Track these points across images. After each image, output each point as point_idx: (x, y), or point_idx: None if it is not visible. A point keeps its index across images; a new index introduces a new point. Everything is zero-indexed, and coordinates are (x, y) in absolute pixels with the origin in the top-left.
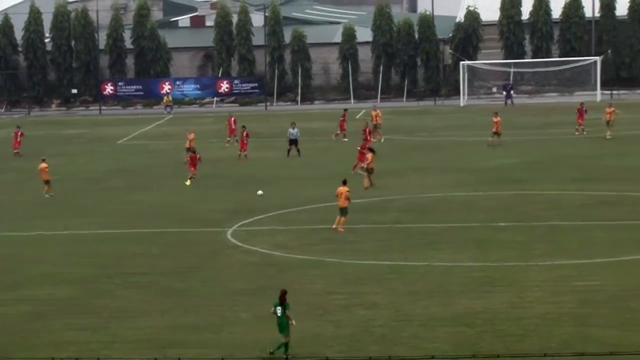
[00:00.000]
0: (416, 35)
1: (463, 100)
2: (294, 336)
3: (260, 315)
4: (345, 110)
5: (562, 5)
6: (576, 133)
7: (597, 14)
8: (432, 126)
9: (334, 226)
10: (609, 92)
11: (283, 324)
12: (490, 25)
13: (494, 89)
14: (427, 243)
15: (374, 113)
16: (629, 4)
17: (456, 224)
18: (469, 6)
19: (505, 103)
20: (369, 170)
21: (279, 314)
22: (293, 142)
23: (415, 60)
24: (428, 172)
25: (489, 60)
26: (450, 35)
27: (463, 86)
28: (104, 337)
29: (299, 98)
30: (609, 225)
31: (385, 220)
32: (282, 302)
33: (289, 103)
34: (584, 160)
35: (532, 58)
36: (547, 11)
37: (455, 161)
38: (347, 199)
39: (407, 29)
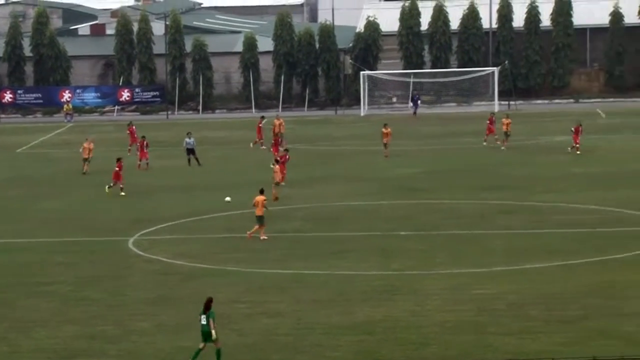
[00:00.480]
0: (317, 45)
1: (364, 110)
2: (196, 345)
3: (162, 324)
4: (262, 117)
5: (460, 17)
6: (484, 143)
7: (494, 26)
8: (333, 135)
9: (249, 235)
10: (506, 102)
11: (206, 332)
12: (390, 35)
13: (394, 99)
14: (330, 252)
15: (277, 122)
16: (525, 16)
17: (359, 233)
18: (368, 17)
19: (414, 113)
20: (277, 183)
21: (202, 322)
22: (190, 151)
23: (316, 70)
24: (330, 182)
25: (388, 70)
26: (351, 45)
27: (363, 96)
28: (4, 348)
29: (200, 107)
30: (507, 234)
31: (288, 229)
32: (206, 309)
33: (190, 112)
34: (484, 169)
35: (431, 68)
36: (446, 22)
37: (357, 170)
38: (264, 207)
39: (307, 39)
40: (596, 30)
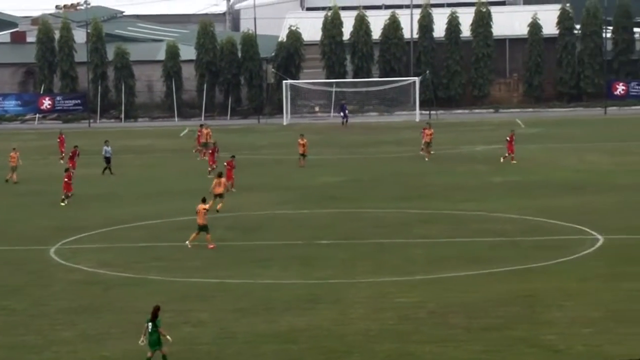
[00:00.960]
0: (239, 54)
1: (286, 118)
2: (118, 354)
3: (84, 333)
4: (202, 125)
5: (382, 27)
6: (421, 152)
7: (415, 36)
8: (256, 144)
9: (189, 244)
10: (427, 112)
11: (153, 341)
12: (312, 45)
13: (317, 108)
14: (253, 260)
15: (205, 131)
16: (445, 26)
17: (281, 242)
18: (291, 26)
19: (343, 122)
20: (219, 195)
21: (150, 330)
22: (107, 160)
23: (239, 79)
24: (253, 190)
25: (311, 79)
26: (273, 54)
27: (286, 105)
28: None
29: (122, 115)
30: (428, 243)
31: (211, 238)
32: (153, 318)
33: (112, 120)
34: (405, 178)
35: (354, 78)
36: (368, 32)
37: (280, 179)
38: (205, 216)
39: (230, 48)
40: (515, 41)
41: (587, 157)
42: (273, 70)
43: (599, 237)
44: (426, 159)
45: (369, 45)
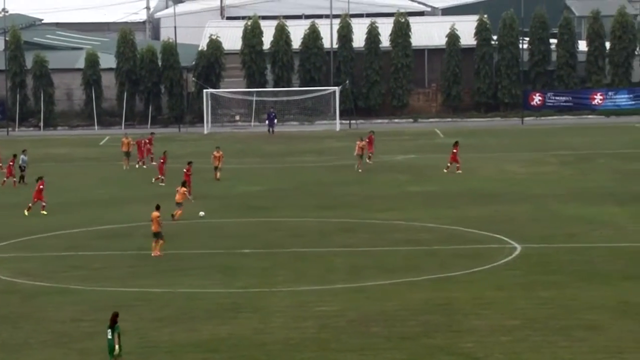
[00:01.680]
0: (160, 63)
1: (207, 127)
2: None
3: (3, 343)
4: (152, 134)
5: (302, 36)
6: (368, 161)
7: (335, 46)
8: (177, 153)
9: (153, 254)
10: (347, 121)
11: (112, 346)
12: (232, 54)
13: (237, 117)
14: (174, 269)
15: (125, 140)
16: (365, 37)
17: (202, 251)
18: (211, 35)
19: (269, 131)
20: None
21: (109, 337)
22: (22, 168)
23: (159, 88)
24: (173, 199)
25: (231, 88)
26: (194, 63)
27: (207, 114)
28: None
29: (41, 124)
30: (349, 252)
31: (131, 247)
32: (112, 325)
33: (31, 128)
34: (326, 187)
35: (274, 87)
36: (288, 42)
37: (201, 188)
38: (159, 223)
39: (150, 56)
40: (434, 52)
41: (504, 167)
42: (193, 79)
43: (517, 245)
44: (359, 170)
45: (289, 55)
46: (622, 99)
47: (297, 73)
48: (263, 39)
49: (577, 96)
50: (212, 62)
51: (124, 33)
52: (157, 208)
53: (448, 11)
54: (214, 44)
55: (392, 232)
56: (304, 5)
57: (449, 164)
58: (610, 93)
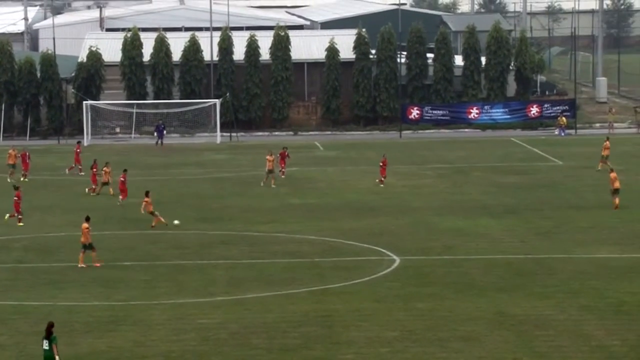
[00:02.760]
0: (38, 74)
1: (87, 139)
2: None
3: None
4: (79, 142)
5: (182, 49)
6: (282, 175)
7: (215, 58)
8: (56, 165)
9: (79, 265)
10: (228, 134)
11: (49, 357)
12: (112, 65)
13: (118, 129)
14: (52, 282)
15: (12, 152)
16: (245, 49)
17: (82, 264)
18: (90, 46)
19: (157, 143)
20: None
21: (45, 347)
22: None
23: (38, 99)
24: (51, 211)
25: (112, 100)
26: (73, 74)
27: (86, 126)
28: None
29: None
30: (229, 264)
31: (8, 260)
32: (48, 335)
33: None
34: (206, 200)
35: (154, 99)
36: (168, 54)
37: (80, 200)
38: (89, 233)
39: (28, 68)
40: (314, 65)
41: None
42: (73, 90)
43: (396, 258)
44: (273, 186)
45: (169, 67)
46: (498, 113)
47: (178, 85)
48: (143, 50)
49: (454, 110)
50: (92, 73)
51: (1, 44)
52: (87, 219)
53: (327, 25)
54: (94, 56)
55: (273, 244)
56: (184, 17)
57: (382, 178)
58: (486, 107)
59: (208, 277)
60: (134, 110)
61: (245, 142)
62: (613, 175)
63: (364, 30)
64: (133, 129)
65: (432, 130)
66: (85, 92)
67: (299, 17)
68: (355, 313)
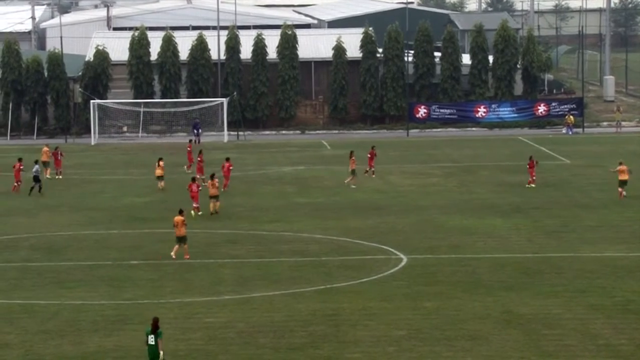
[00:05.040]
0: (46, 73)
1: (94, 138)
2: None
3: None
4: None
5: (189, 48)
6: (372, 176)
7: (222, 57)
8: (63, 164)
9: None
10: (235, 133)
11: (154, 352)
12: (120, 64)
13: (125, 128)
14: (59, 282)
15: (46, 149)
16: (252, 48)
17: (88, 262)
18: (98, 45)
19: (194, 141)
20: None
21: (151, 343)
22: None
23: (45, 98)
24: (59, 211)
25: (119, 99)
26: (80, 73)
27: (94, 125)
28: None
29: None
30: (236, 263)
31: (15, 259)
32: (155, 329)
33: None
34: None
35: (161, 98)
36: (175, 53)
37: (87, 199)
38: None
39: (36, 67)
40: (321, 64)
41: (390, 179)
42: (80, 89)
43: (403, 256)
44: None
45: (176, 66)
46: (505, 112)
47: (185, 84)
48: (150, 49)
49: (461, 109)
50: (99, 72)
51: (9, 43)
52: (180, 212)
53: (334, 24)
54: (101, 55)
55: (279, 243)
56: (191, 16)
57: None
58: (493, 106)
59: (215, 276)
60: (142, 109)
61: (253, 141)
62: (623, 167)
63: (371, 29)
64: (140, 128)
65: (439, 129)
66: (93, 91)
67: (306, 15)
68: (362, 312)
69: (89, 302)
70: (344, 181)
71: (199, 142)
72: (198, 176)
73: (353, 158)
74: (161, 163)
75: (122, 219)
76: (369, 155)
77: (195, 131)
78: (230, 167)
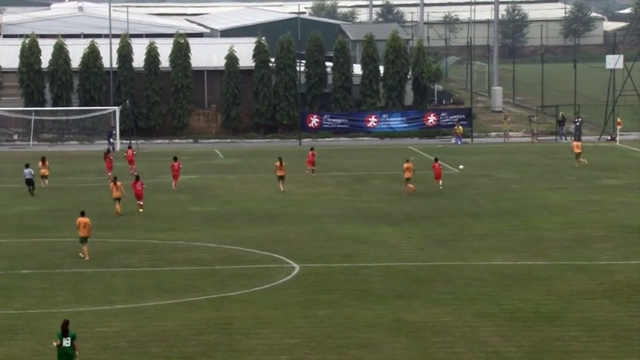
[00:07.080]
0: None
1: None
2: None
3: None
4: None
5: (81, 55)
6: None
7: (115, 65)
8: None
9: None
10: (127, 141)
11: (68, 354)
12: (10, 72)
13: (15, 136)
14: None
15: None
16: (145, 57)
17: None
18: None
19: (111, 149)
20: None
21: (67, 345)
22: None
23: None
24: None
25: (9, 107)
26: None
27: None
28: None
29: None
30: (129, 272)
31: None
32: (66, 332)
33: None
34: (105, 207)
35: (53, 106)
36: (67, 60)
37: None
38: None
39: None
40: (213, 73)
41: (281, 187)
42: None
43: (295, 265)
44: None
45: (68, 74)
46: (396, 122)
47: (77, 92)
48: (41, 57)
49: (353, 118)
50: None
51: None
52: (82, 214)
53: (227, 33)
54: None
55: (173, 252)
56: (83, 24)
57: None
58: (384, 116)
59: (107, 285)
60: (33, 117)
61: (145, 150)
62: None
63: (263, 38)
64: (31, 135)
65: (331, 139)
66: None
67: (199, 25)
68: (254, 320)
69: None
70: (280, 189)
71: (113, 149)
72: (110, 174)
73: (284, 164)
74: (46, 162)
75: (13, 228)
76: (308, 159)
77: (111, 139)
78: (180, 167)
